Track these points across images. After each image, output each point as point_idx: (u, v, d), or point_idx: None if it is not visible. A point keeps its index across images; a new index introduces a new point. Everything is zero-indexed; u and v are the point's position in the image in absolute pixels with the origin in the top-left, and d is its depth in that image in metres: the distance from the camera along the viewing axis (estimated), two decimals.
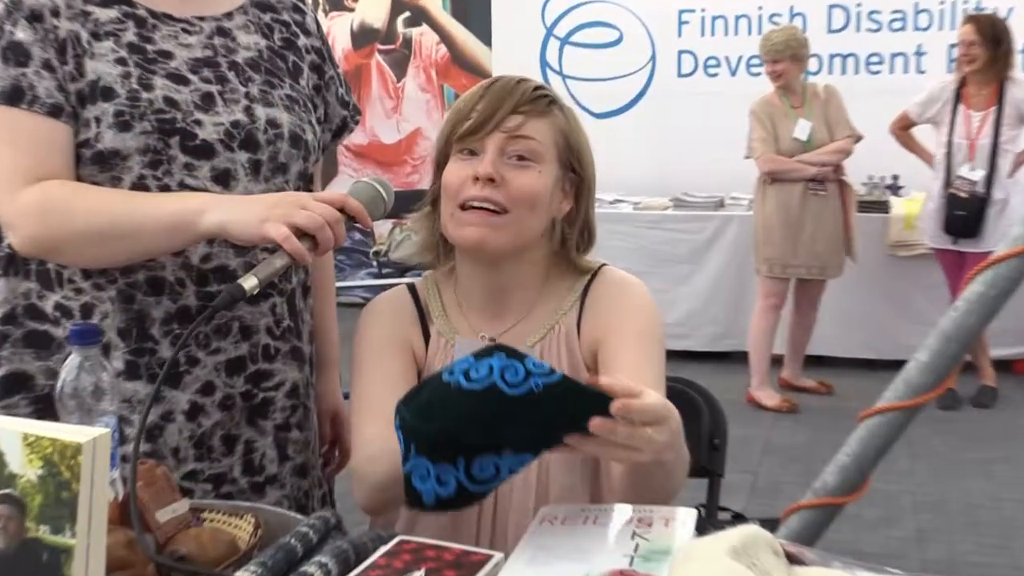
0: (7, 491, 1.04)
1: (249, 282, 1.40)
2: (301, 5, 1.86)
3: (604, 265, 1.76)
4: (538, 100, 1.65)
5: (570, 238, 1.72)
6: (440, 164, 1.68)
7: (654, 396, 1.25)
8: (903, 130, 5.97)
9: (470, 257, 1.68)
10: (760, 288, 6.06)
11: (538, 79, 1.77)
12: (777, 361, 6.28)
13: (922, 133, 5.98)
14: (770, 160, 5.82)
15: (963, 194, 5.58)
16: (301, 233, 1.42)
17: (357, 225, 1.55)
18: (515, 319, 1.71)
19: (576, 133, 1.72)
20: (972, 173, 5.57)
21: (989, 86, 5.63)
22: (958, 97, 5.70)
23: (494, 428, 1.21)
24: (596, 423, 1.19)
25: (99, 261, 1.59)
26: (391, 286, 1.85)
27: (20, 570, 1.03)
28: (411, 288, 1.79)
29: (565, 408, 1.21)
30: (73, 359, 1.33)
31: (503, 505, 1.64)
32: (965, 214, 5.57)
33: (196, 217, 1.47)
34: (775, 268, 5.92)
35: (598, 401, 1.18)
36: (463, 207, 1.61)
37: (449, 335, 1.71)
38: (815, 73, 7.10)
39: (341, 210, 1.47)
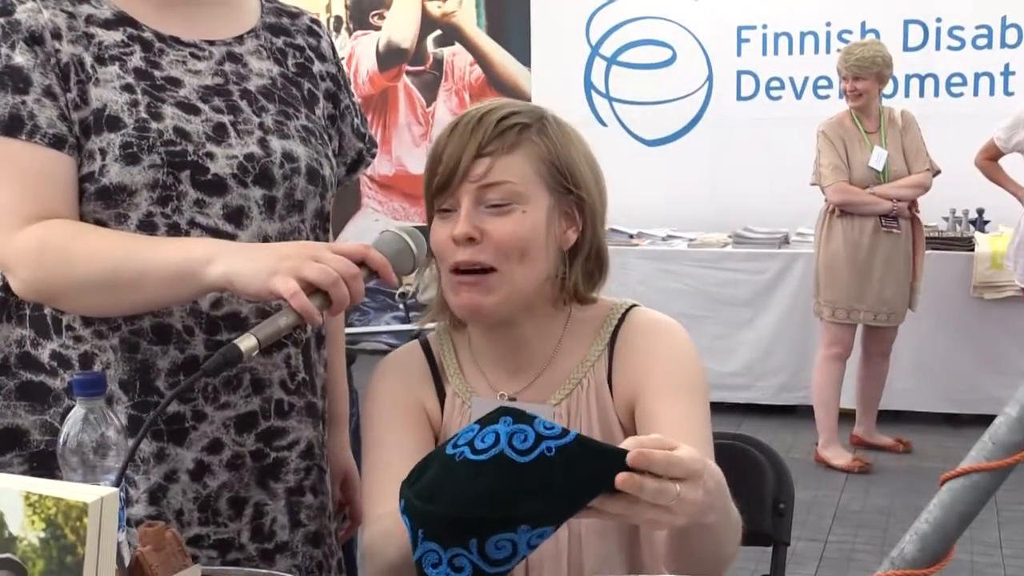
0: (7, 555, 1.05)
1: (247, 343, 1.38)
2: (316, 28, 1.88)
3: (634, 306, 1.73)
4: (505, 134, 1.60)
5: (577, 266, 1.68)
6: (430, 219, 1.67)
7: (685, 449, 1.22)
8: (989, 160, 5.91)
9: (472, 323, 1.69)
10: (823, 335, 5.99)
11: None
12: (849, 416, 6.23)
13: (1010, 163, 5.94)
14: (841, 190, 5.72)
15: None
16: (313, 288, 1.40)
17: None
18: (535, 374, 1.70)
19: (563, 149, 1.66)
20: None
21: None
22: None
23: (507, 502, 1.18)
24: (621, 478, 1.15)
25: (101, 310, 1.58)
26: (414, 334, 1.85)
27: None
28: (424, 344, 1.79)
29: (583, 471, 1.18)
30: (77, 411, 1.34)
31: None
32: None
33: (202, 267, 1.45)
34: (839, 312, 5.83)
35: (618, 459, 1.16)
36: (453, 271, 1.61)
37: (465, 396, 1.71)
38: (890, 96, 7.06)
39: (362, 263, 1.46)
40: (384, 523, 1.56)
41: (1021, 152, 5.75)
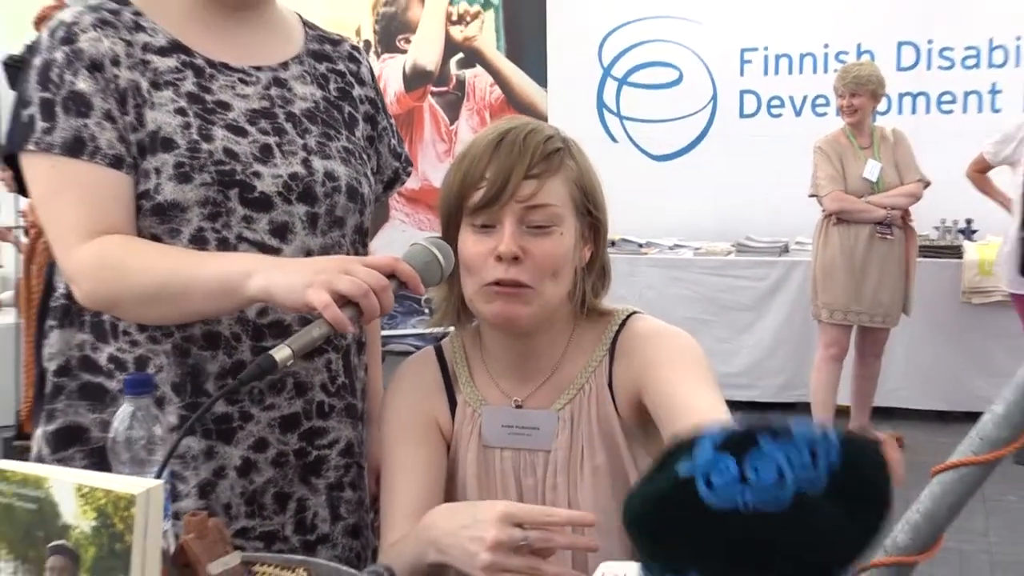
0: (61, 543, 1.05)
1: (282, 353, 1.37)
2: (356, 54, 1.88)
3: (634, 313, 1.71)
4: (550, 157, 1.59)
5: (588, 282, 1.68)
6: (449, 226, 1.65)
7: None
8: (979, 173, 5.90)
9: (498, 331, 1.68)
10: (821, 336, 5.97)
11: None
12: (845, 413, 6.22)
13: (1000, 176, 5.91)
14: (838, 198, 5.73)
15: None
16: (345, 300, 1.39)
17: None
18: (542, 380, 1.69)
19: (588, 175, 1.65)
20: None
21: None
22: None
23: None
24: None
25: (153, 318, 1.59)
26: (443, 336, 1.84)
27: None
28: (438, 351, 1.78)
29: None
30: (126, 409, 1.35)
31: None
32: None
33: (243, 280, 1.45)
34: (836, 315, 5.83)
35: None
36: (488, 285, 1.58)
37: (476, 404, 1.70)
38: (884, 113, 7.07)
39: (392, 275, 1.44)
40: (393, 553, 1.56)
41: (1009, 165, 5.74)
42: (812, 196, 5.90)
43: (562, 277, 1.61)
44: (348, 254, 1.72)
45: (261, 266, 1.46)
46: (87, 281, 1.55)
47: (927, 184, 5.83)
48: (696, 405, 1.49)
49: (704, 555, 0.88)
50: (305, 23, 1.84)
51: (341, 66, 1.82)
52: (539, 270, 1.57)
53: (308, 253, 1.63)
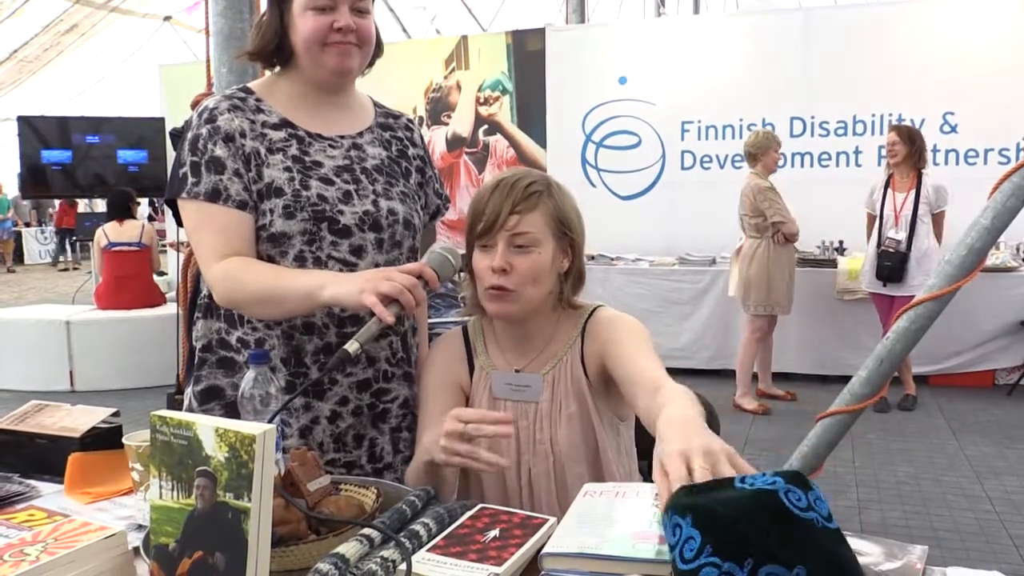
0: (204, 468, 1.05)
1: (353, 346, 1.39)
2: (411, 125, 1.87)
3: (599, 306, 1.71)
4: (529, 197, 1.60)
5: (567, 284, 1.68)
6: (468, 246, 1.67)
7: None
8: (870, 221, 5.85)
9: (497, 320, 1.70)
10: (751, 324, 5.91)
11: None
12: (753, 377, 6.22)
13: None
14: (795, 225, 5.70)
15: (891, 250, 5.55)
16: (390, 299, 1.40)
17: (451, 287, 1.52)
18: (535, 354, 1.70)
19: (564, 207, 1.65)
20: (897, 235, 5.55)
21: (909, 175, 5.61)
22: (887, 184, 5.68)
23: (786, 539, 0.88)
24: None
25: (263, 315, 1.61)
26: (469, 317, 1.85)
27: (214, 524, 1.05)
28: (464, 330, 1.79)
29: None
30: (250, 374, 1.34)
31: (536, 491, 1.64)
32: (891, 264, 5.54)
33: (319, 291, 1.46)
34: (777, 307, 5.81)
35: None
36: (489, 288, 1.62)
37: (488, 369, 1.72)
38: (782, 167, 7.05)
39: (419, 276, 1.44)
40: (412, 466, 1.61)
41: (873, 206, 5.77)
42: (772, 222, 5.67)
43: (541, 283, 1.62)
44: (406, 265, 1.71)
45: (331, 280, 1.47)
46: (218, 289, 1.58)
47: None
48: (644, 367, 1.52)
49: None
50: (375, 103, 1.85)
51: (400, 134, 1.82)
52: (522, 279, 1.60)
53: (376, 266, 1.64)
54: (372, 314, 1.39)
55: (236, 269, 1.56)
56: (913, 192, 5.57)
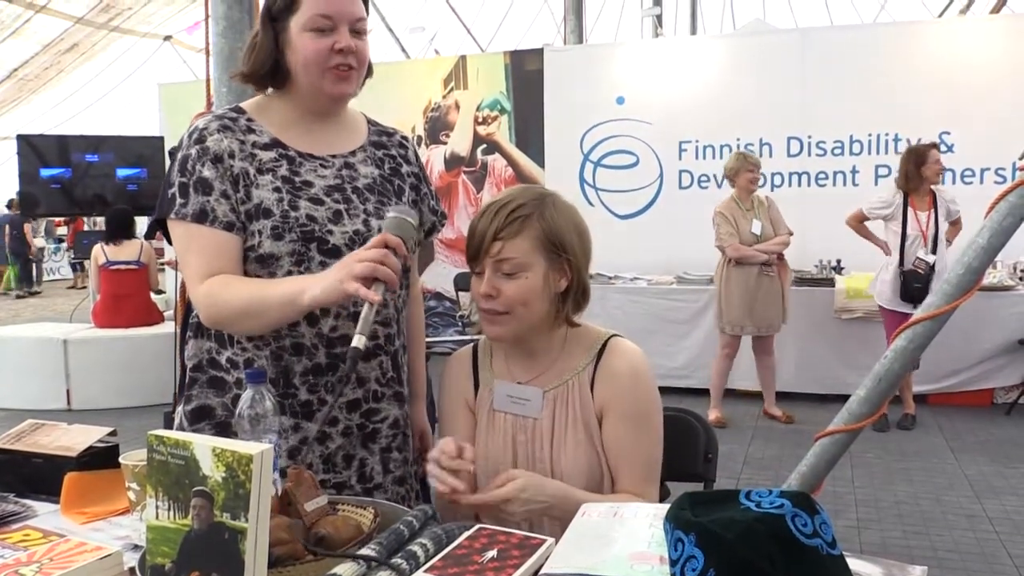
0: (201, 488, 1.05)
1: (359, 341, 1.39)
2: (404, 142, 1.84)
3: (614, 336, 1.70)
4: (513, 223, 1.59)
5: (567, 303, 1.67)
6: (471, 269, 1.67)
7: (509, 488, 1.46)
8: (858, 222, 5.85)
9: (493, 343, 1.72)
10: (720, 341, 6.04)
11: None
12: (757, 396, 6.26)
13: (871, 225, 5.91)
14: (737, 249, 5.80)
15: (921, 271, 5.49)
16: (369, 280, 1.40)
17: (444, 301, 1.52)
18: (541, 371, 1.69)
19: (555, 227, 1.62)
20: (928, 256, 5.50)
21: (928, 195, 5.61)
22: (906, 203, 5.61)
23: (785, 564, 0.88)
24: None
25: (248, 330, 1.58)
26: (468, 341, 1.86)
27: (210, 544, 1.04)
28: (474, 348, 1.80)
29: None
30: (248, 393, 1.34)
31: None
32: (920, 286, 5.46)
33: (299, 297, 1.45)
34: (734, 328, 5.91)
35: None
36: (481, 311, 1.64)
37: (491, 383, 1.72)
38: (779, 186, 7.09)
39: (386, 246, 1.43)
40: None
41: (883, 220, 5.73)
42: (717, 247, 5.95)
43: (532, 305, 1.61)
44: (396, 289, 1.68)
45: (308, 284, 1.46)
46: (202, 309, 1.58)
47: (791, 234, 5.94)
48: (623, 473, 1.62)
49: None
50: (368, 121, 1.83)
51: (393, 151, 1.80)
52: (510, 303, 1.60)
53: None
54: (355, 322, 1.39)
55: (217, 287, 1.54)
56: (933, 211, 5.57)
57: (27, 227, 16.54)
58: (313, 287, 1.45)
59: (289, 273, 1.58)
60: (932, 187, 5.61)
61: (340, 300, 1.45)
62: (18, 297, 16.54)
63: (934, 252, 5.52)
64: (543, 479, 1.54)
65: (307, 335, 1.60)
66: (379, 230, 1.63)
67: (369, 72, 1.72)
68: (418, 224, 1.57)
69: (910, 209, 5.60)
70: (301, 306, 1.47)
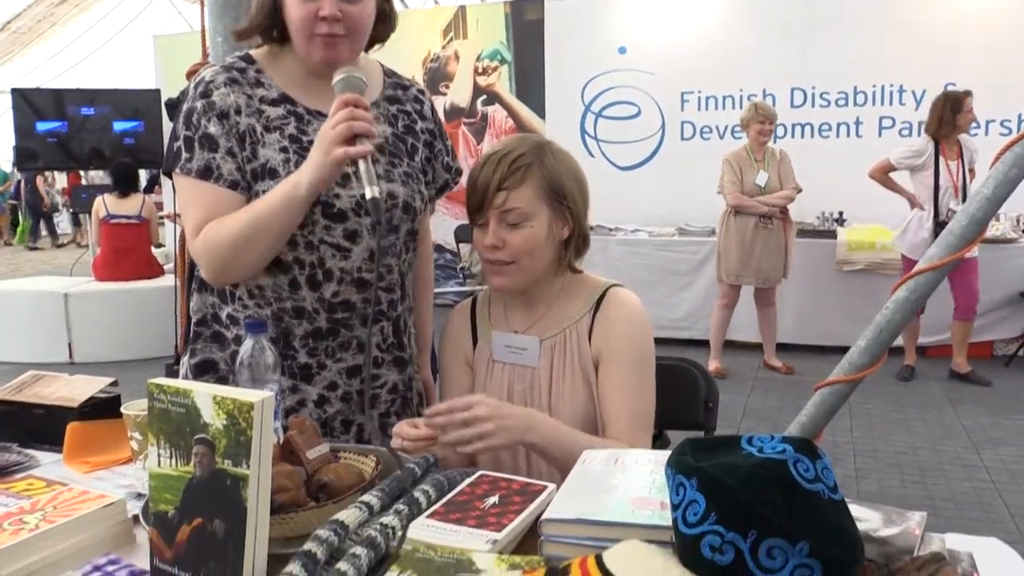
0: (202, 435, 1.05)
1: (373, 191, 1.41)
2: (421, 96, 1.79)
3: (613, 286, 1.69)
4: (516, 172, 1.57)
5: (569, 250, 1.67)
6: (472, 222, 1.65)
7: (478, 408, 1.43)
8: (884, 173, 5.74)
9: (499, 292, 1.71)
10: (719, 291, 6.08)
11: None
12: (757, 348, 6.28)
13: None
14: (736, 197, 5.81)
15: None
16: (352, 139, 1.40)
17: (444, 253, 1.50)
18: (537, 319, 1.69)
19: (557, 175, 1.61)
20: (958, 206, 5.40)
21: (956, 144, 5.55)
22: (937, 152, 5.53)
23: (790, 512, 0.86)
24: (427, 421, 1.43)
25: (255, 262, 1.54)
26: (471, 292, 1.85)
27: (212, 491, 1.05)
28: (473, 301, 1.79)
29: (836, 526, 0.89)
30: (248, 343, 1.34)
31: (535, 459, 1.62)
32: None
33: (296, 190, 1.45)
34: (731, 277, 5.94)
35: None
36: (487, 262, 1.63)
37: (488, 335, 1.72)
38: (781, 137, 7.03)
39: (347, 105, 1.43)
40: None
41: (909, 171, 5.65)
42: (719, 193, 5.95)
43: (538, 254, 1.61)
44: (402, 253, 1.69)
45: (299, 177, 1.46)
46: (202, 261, 1.56)
47: (799, 190, 5.91)
48: (615, 418, 1.60)
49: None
50: (386, 73, 1.77)
51: (408, 107, 1.75)
52: (516, 253, 1.59)
53: (371, 252, 1.60)
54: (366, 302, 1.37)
55: (211, 229, 1.52)
56: (961, 161, 5.50)
57: (39, 181, 16.60)
58: (303, 177, 1.44)
59: (292, 236, 1.55)
60: (959, 136, 5.53)
61: (335, 172, 1.45)
62: (29, 248, 16.88)
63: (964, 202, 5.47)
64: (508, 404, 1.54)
65: (308, 299, 1.59)
66: (388, 196, 1.61)
67: (390, 26, 1.67)
68: (364, 77, 1.52)
69: (941, 159, 5.51)
70: (301, 198, 1.46)
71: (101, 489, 1.32)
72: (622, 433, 1.58)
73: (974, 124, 6.60)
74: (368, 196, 1.40)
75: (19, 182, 17.42)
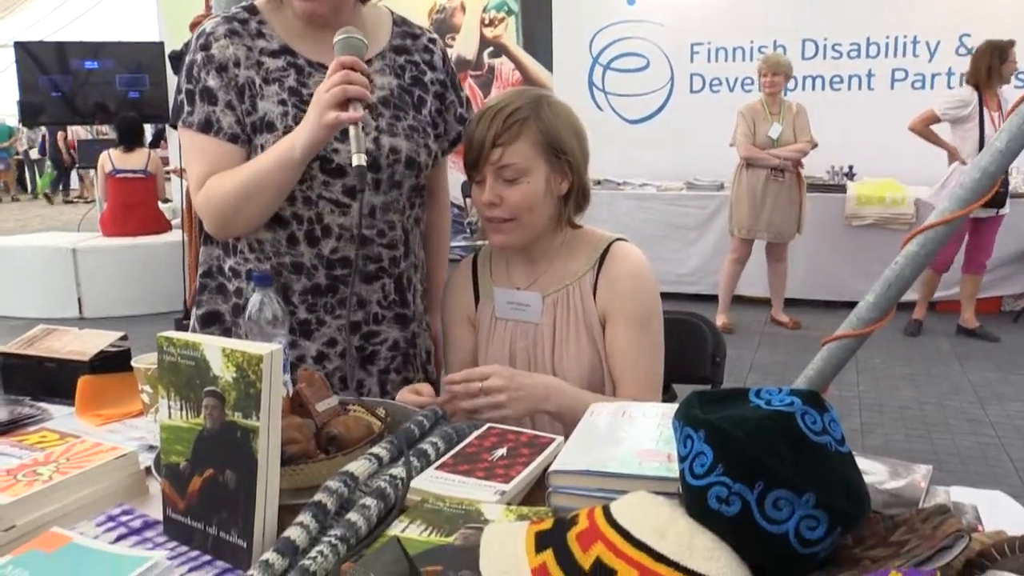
0: (212, 388, 1.06)
1: (359, 159, 1.39)
2: (431, 45, 1.74)
3: (617, 240, 1.67)
4: (511, 127, 1.54)
5: (569, 205, 1.64)
6: (470, 178, 1.63)
7: (492, 379, 1.43)
8: (926, 126, 5.57)
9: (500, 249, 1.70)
10: (731, 245, 6.06)
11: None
12: (765, 302, 6.27)
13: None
14: (747, 149, 5.78)
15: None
16: (345, 104, 1.39)
17: (456, 212, 1.48)
18: (538, 275, 1.67)
19: (554, 129, 1.57)
20: None
21: (996, 95, 5.48)
22: (982, 104, 5.44)
23: (796, 464, 0.86)
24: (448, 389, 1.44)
25: (256, 216, 1.54)
26: (477, 246, 1.84)
27: (223, 443, 1.06)
28: (474, 259, 1.77)
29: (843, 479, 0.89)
30: (256, 296, 1.34)
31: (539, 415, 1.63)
32: (1004, 191, 5.41)
33: (290, 153, 1.44)
34: (742, 231, 5.92)
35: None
36: (486, 220, 1.62)
37: (490, 292, 1.71)
38: (792, 90, 6.94)
39: (343, 69, 1.40)
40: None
41: (951, 122, 5.53)
42: (731, 146, 5.91)
43: (537, 210, 1.59)
44: (405, 209, 1.67)
45: (293, 139, 1.45)
46: (204, 215, 1.56)
47: (814, 145, 5.84)
48: (625, 379, 1.60)
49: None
50: (395, 21, 1.74)
51: (416, 57, 1.71)
52: (514, 209, 1.57)
53: (372, 208, 1.59)
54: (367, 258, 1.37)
55: (213, 184, 1.53)
56: (1000, 113, 5.40)
57: (60, 135, 16.84)
58: (298, 138, 1.44)
59: (292, 192, 1.54)
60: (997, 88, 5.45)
61: (328, 135, 1.43)
62: (45, 196, 17.64)
63: None
64: (525, 372, 1.55)
65: (307, 255, 1.58)
66: (391, 151, 1.59)
67: None
68: (362, 37, 1.49)
69: (985, 109, 5.43)
70: (296, 160, 1.45)
71: (113, 441, 1.34)
72: (633, 395, 1.58)
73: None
74: (354, 163, 1.39)
75: (43, 137, 18.03)
